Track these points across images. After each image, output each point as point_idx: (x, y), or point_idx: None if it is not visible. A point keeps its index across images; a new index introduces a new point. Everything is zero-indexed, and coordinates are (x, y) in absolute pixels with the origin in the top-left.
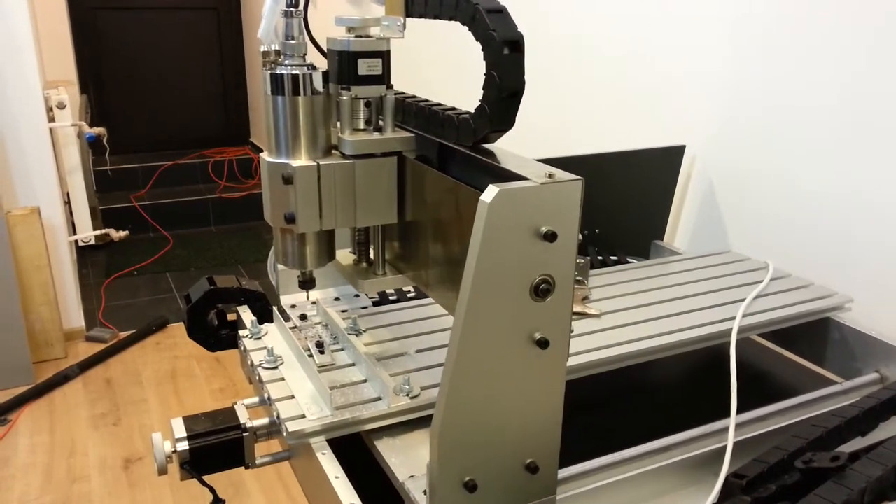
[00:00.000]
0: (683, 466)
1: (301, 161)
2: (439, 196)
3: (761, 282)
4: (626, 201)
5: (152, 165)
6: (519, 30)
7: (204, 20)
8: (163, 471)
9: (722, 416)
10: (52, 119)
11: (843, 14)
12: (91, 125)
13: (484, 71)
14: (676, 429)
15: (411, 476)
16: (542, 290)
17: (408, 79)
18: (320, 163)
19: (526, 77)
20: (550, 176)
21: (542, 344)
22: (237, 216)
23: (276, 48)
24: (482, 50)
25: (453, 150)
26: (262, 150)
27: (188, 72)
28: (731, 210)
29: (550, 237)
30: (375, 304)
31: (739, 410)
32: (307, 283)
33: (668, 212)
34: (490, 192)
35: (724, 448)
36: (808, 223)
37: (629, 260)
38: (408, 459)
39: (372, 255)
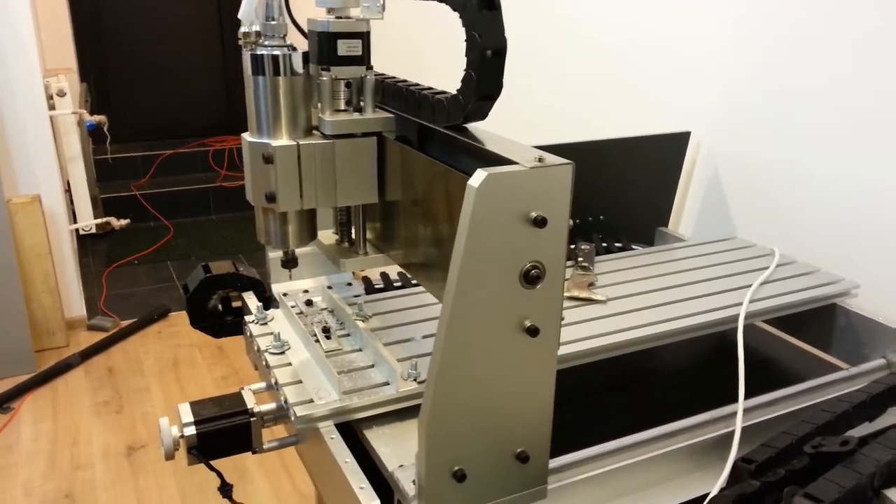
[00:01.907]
0: (692, 451)
1: (281, 141)
2: (422, 178)
3: (767, 268)
4: (630, 188)
5: (153, 154)
6: None
7: (205, 8)
8: (170, 455)
9: (728, 402)
10: (52, 107)
11: None
12: (91, 113)
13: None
14: (683, 415)
15: (401, 465)
16: (532, 277)
17: (410, 65)
18: (300, 142)
19: (529, 66)
20: (540, 160)
21: (533, 332)
22: (238, 205)
23: (257, 29)
24: (460, 18)
25: (433, 130)
26: None
27: (189, 60)
28: (737, 196)
29: (540, 223)
30: (377, 290)
31: (746, 396)
32: (289, 263)
33: (672, 198)
34: (478, 177)
35: (733, 433)
36: (814, 209)
37: (634, 247)
38: (398, 448)
39: (354, 236)
